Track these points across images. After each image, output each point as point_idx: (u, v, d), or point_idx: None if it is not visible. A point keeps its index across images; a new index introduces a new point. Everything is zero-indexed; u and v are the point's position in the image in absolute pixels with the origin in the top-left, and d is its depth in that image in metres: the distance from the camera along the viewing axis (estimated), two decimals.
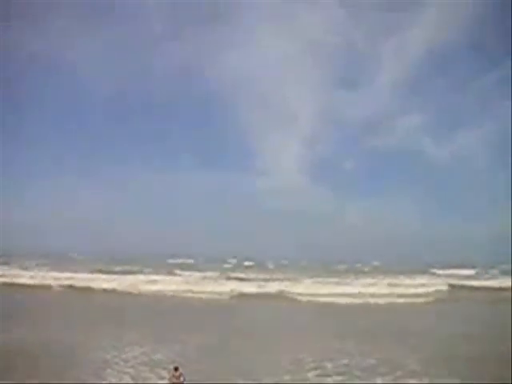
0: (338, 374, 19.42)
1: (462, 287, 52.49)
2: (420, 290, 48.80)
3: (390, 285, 52.16)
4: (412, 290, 48.47)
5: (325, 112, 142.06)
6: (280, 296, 45.65)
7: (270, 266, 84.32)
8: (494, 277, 62.28)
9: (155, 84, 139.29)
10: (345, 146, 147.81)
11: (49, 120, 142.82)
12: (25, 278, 52.78)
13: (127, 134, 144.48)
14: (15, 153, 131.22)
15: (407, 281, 56.77)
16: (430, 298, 45.29)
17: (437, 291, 48.76)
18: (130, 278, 53.31)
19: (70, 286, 48.36)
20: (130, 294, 45.81)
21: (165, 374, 17.61)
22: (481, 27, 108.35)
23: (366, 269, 76.10)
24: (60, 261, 74.16)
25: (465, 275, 64.84)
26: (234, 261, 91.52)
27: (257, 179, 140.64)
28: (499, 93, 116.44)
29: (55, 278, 51.97)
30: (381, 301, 43.45)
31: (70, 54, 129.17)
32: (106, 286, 48.38)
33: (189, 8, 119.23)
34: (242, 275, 61.71)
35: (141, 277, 55.38)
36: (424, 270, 69.93)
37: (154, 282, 51.30)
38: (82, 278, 52.72)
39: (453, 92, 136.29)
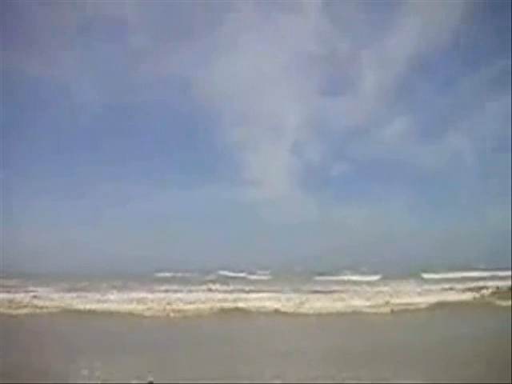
0: None
1: (459, 291, 50.38)
2: (415, 298, 46.57)
3: (381, 293, 49.97)
4: (406, 299, 46.03)
5: (311, 121, 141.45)
6: (266, 310, 43.33)
7: (258, 278, 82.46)
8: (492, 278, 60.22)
9: (139, 99, 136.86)
10: (333, 153, 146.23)
11: (30, 134, 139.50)
12: None
13: (109, 152, 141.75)
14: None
15: (401, 287, 54.78)
16: (425, 305, 43.18)
17: (432, 297, 46.75)
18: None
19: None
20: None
21: None
22: (467, 29, 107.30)
23: (355, 277, 74.12)
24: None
25: (460, 278, 63.00)
26: (223, 272, 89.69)
27: (245, 191, 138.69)
28: (487, 94, 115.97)
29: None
30: (372, 311, 41.35)
31: (57, 71, 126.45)
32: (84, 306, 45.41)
33: (172, 21, 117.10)
34: (229, 288, 59.80)
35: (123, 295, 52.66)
36: (417, 275, 68.31)
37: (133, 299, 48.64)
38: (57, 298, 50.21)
39: (440, 95, 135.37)
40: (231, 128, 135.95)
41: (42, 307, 44.93)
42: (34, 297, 51.04)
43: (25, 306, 44.80)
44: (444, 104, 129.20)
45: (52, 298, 49.44)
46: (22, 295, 53.49)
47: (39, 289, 58.42)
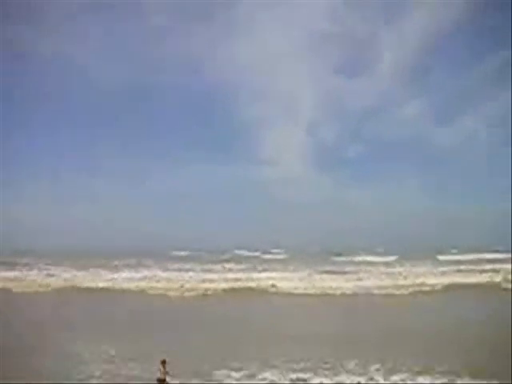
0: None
1: (471, 271, 49.77)
2: (428, 279, 45.83)
3: (396, 274, 49.47)
4: (421, 280, 45.40)
5: (327, 100, 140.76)
6: (279, 290, 43.24)
7: (273, 257, 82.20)
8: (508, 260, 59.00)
9: (158, 78, 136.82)
10: (348, 133, 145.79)
11: (51, 112, 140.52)
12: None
13: (128, 128, 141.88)
14: (18, 146, 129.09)
15: (416, 269, 54.11)
16: (439, 287, 42.66)
17: (445, 278, 46.18)
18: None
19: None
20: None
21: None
22: (483, 9, 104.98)
23: (370, 258, 73.44)
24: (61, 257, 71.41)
25: (476, 259, 62.01)
26: (239, 252, 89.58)
27: (261, 169, 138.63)
28: (502, 76, 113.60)
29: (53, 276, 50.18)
30: (387, 292, 41.02)
31: (74, 48, 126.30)
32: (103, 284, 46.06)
33: (190, 1, 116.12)
34: (243, 267, 59.75)
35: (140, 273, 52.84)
36: (432, 257, 67.46)
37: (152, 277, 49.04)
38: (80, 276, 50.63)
39: (454, 78, 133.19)
40: (247, 107, 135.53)
41: (53, 285, 45.78)
42: (48, 275, 51.43)
43: (39, 285, 45.38)
44: (458, 86, 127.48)
45: (65, 277, 49.58)
46: (35, 273, 54.18)
47: (52, 267, 58.55)
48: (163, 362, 16.51)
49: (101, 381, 18.17)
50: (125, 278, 48.89)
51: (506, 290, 40.17)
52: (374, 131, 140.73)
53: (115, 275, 50.93)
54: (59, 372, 18.66)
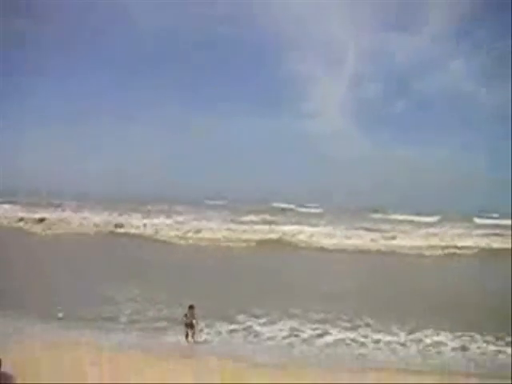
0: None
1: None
2: (464, 241, 44.96)
3: (432, 234, 48.72)
4: (456, 241, 44.71)
5: (373, 55, 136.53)
6: (310, 244, 43.44)
7: (309, 211, 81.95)
8: None
9: (205, 26, 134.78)
10: (392, 90, 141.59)
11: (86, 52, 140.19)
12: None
13: (170, 75, 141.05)
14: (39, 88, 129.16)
15: (451, 230, 53.13)
16: (475, 250, 42.04)
17: (481, 241, 45.20)
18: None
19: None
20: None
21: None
22: None
23: (407, 217, 72.33)
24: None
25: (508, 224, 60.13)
26: (275, 204, 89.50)
27: (303, 124, 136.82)
28: None
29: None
30: (417, 252, 40.76)
31: None
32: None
33: None
34: (278, 218, 60.12)
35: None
36: (470, 219, 66.05)
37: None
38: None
39: (501, 38, 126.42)
40: (294, 59, 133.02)
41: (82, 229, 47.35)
42: (84, 218, 52.90)
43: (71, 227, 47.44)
44: (505, 47, 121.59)
45: (96, 222, 50.68)
46: (70, 214, 56.10)
47: (86, 211, 59.88)
48: (191, 307, 17.12)
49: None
50: (157, 224, 49.91)
51: None
52: (420, 88, 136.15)
53: (146, 221, 51.74)
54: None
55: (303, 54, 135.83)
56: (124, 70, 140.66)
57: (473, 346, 17.52)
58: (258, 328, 18.87)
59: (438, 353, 17.04)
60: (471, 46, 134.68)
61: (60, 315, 19.25)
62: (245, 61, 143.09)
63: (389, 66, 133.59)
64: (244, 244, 42.34)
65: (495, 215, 73.46)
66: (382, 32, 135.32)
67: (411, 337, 18.26)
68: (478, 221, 65.92)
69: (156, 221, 52.40)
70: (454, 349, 17.33)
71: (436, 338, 18.11)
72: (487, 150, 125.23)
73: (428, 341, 17.91)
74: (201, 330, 17.71)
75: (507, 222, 62.47)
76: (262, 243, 42.67)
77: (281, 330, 18.68)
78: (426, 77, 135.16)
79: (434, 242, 44.53)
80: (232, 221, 55.26)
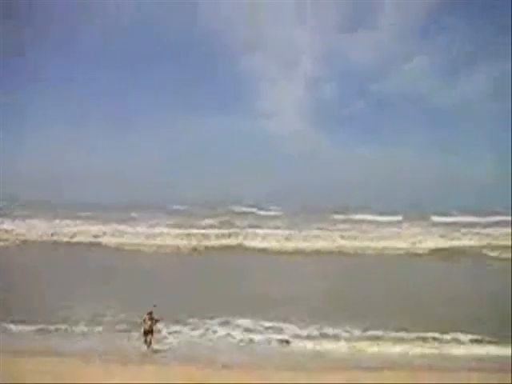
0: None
1: (466, 234, 48.74)
2: (423, 241, 45.17)
3: (391, 234, 48.70)
4: (414, 240, 44.81)
5: (328, 55, 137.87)
6: (267, 247, 42.97)
7: (269, 214, 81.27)
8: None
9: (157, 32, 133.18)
10: (348, 90, 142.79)
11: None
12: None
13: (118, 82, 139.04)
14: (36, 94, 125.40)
15: (410, 229, 53.38)
16: (430, 250, 42.25)
17: (439, 240, 45.59)
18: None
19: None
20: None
21: None
22: None
23: (367, 216, 72.49)
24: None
25: (466, 222, 60.96)
26: (233, 207, 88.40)
27: (258, 123, 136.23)
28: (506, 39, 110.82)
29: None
30: (376, 252, 40.96)
31: None
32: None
33: None
34: (236, 223, 59.17)
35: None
36: (427, 217, 66.62)
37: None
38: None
39: (459, 38, 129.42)
40: (248, 58, 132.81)
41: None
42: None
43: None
44: (463, 47, 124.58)
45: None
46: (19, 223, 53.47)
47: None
48: (150, 314, 16.86)
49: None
50: (115, 231, 48.44)
51: (491, 257, 39.29)
52: (375, 88, 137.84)
53: (104, 228, 49.97)
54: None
55: (259, 55, 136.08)
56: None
57: (427, 346, 17.58)
58: (216, 328, 19.08)
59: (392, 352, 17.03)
60: (428, 45, 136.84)
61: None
62: (200, 62, 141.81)
63: (345, 66, 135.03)
64: (202, 248, 41.72)
65: (454, 212, 74.21)
66: (338, 33, 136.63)
67: (368, 334, 18.33)
68: (435, 219, 66.35)
69: (115, 227, 50.68)
70: (407, 347, 17.35)
71: (393, 335, 18.22)
72: (445, 148, 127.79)
73: (384, 339, 17.91)
74: (164, 337, 17.93)
75: (465, 219, 63.58)
76: (220, 248, 41.92)
77: (237, 331, 18.84)
78: (383, 77, 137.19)
79: (394, 241, 44.54)
80: (191, 226, 53.99)
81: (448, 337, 18.09)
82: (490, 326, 18.48)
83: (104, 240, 45.04)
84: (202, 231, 48.96)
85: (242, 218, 68.74)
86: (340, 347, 17.38)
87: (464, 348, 17.43)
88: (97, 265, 33.16)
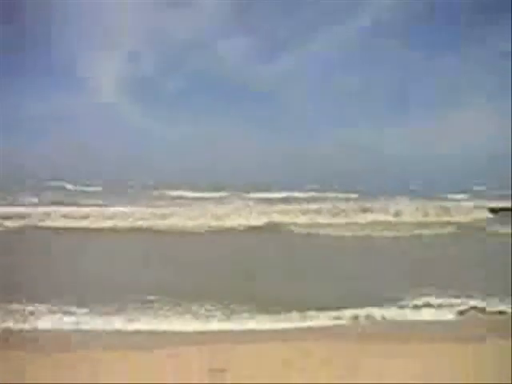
0: None
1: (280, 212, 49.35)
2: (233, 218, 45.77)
3: (205, 212, 48.43)
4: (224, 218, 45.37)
5: (147, 31, 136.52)
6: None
7: (90, 189, 78.04)
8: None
9: None
10: (167, 66, 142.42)
11: None
12: None
13: None
14: None
15: (223, 207, 53.63)
16: (242, 227, 42.93)
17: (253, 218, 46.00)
18: None
19: None
20: None
21: None
22: None
23: (184, 193, 72.54)
24: None
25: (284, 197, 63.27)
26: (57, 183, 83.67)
27: (73, 96, 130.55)
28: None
29: None
30: (185, 230, 41.12)
31: None
32: None
33: None
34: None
35: None
36: (244, 195, 68.28)
37: None
38: None
39: (282, 16, 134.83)
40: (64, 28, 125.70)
41: None
42: None
43: None
44: (285, 26, 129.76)
45: None
46: None
47: None
48: None
49: None
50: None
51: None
52: (195, 65, 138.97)
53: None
54: None
55: (77, 32, 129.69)
56: None
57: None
58: None
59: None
60: (251, 22, 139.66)
61: None
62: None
63: (166, 43, 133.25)
64: None
65: (274, 189, 76.04)
66: (157, 10, 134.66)
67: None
68: (252, 195, 68.04)
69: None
70: None
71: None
72: (264, 125, 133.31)
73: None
74: None
75: (280, 195, 66.42)
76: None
77: None
78: (202, 54, 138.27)
79: (204, 219, 44.67)
80: None
81: None
82: None
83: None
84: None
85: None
86: None
87: None
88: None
